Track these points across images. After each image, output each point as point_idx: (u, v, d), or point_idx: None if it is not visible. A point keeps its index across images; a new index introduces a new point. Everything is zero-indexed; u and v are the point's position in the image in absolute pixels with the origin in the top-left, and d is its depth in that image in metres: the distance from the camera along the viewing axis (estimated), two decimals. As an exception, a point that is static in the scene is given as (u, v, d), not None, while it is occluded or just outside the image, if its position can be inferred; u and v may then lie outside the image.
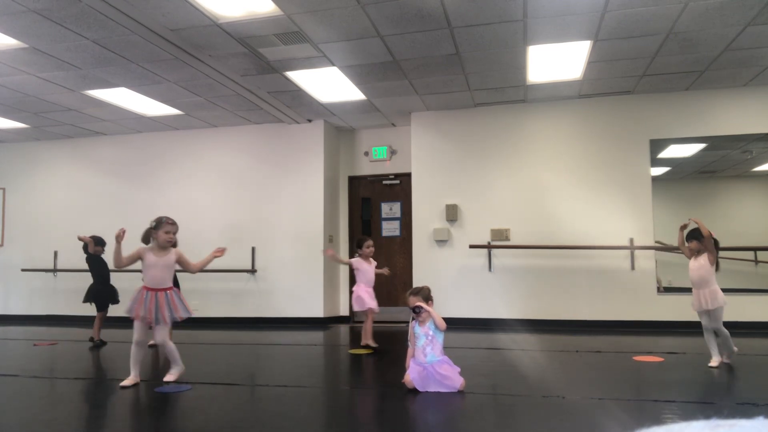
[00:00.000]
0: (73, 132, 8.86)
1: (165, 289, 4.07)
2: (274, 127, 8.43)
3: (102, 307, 6.31)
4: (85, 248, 6.43)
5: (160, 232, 4.08)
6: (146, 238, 4.16)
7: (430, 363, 3.77)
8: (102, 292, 6.35)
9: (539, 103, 7.56)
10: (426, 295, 3.99)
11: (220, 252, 4.22)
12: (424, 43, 5.49)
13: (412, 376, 3.77)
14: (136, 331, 4.06)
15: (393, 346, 6.07)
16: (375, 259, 5.89)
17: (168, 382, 4.03)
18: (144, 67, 6.02)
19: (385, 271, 5.93)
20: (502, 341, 6.14)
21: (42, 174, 9.36)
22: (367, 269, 5.72)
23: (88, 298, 6.36)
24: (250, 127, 8.54)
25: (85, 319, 8.66)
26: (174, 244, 4.18)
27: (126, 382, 3.98)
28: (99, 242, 6.46)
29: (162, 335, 4.05)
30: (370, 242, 5.80)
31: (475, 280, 7.57)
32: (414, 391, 3.70)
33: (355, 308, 5.75)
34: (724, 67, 6.27)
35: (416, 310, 3.89)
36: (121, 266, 4.03)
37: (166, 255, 4.10)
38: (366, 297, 5.62)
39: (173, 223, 4.15)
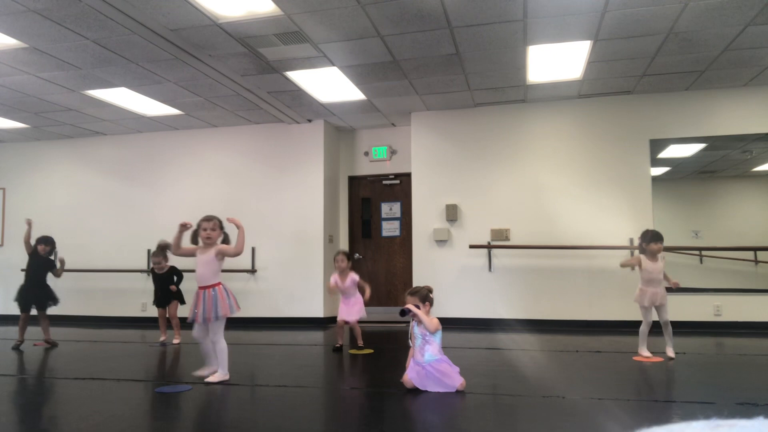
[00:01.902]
0: (73, 132, 8.87)
1: (207, 287, 4.07)
2: (274, 127, 8.43)
3: (26, 309, 6.19)
4: (34, 248, 6.31)
5: (200, 230, 4.11)
6: (194, 238, 4.19)
7: (428, 362, 3.77)
8: (31, 294, 6.24)
9: (539, 103, 7.56)
10: (423, 295, 3.96)
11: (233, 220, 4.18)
12: (424, 43, 5.48)
13: (410, 375, 3.77)
14: (194, 332, 4.17)
15: (393, 346, 6.07)
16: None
17: (209, 383, 4.05)
18: (144, 67, 6.02)
19: (366, 294, 5.73)
20: (502, 341, 6.14)
21: (42, 174, 9.36)
22: (341, 287, 5.73)
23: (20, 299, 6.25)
24: (250, 127, 8.54)
25: (85, 319, 8.67)
26: (224, 240, 4.19)
27: (202, 372, 4.14)
28: (46, 241, 6.34)
29: (213, 332, 4.06)
30: (339, 256, 5.75)
31: (475, 280, 7.57)
32: (414, 391, 3.70)
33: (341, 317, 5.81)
34: (724, 67, 6.27)
35: (403, 313, 3.84)
36: (176, 254, 4.13)
37: (206, 252, 4.11)
38: (342, 311, 5.69)
39: (208, 219, 4.14)
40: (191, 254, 4.17)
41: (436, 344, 3.84)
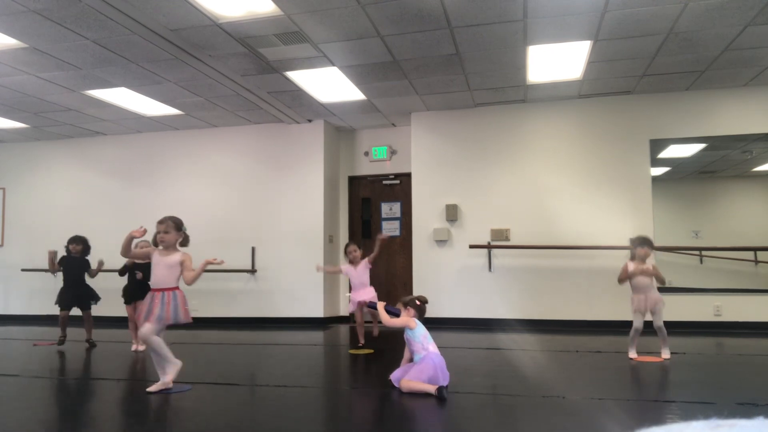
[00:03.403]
0: (73, 132, 8.86)
1: (166, 290, 3.88)
2: (274, 127, 8.43)
3: (66, 307, 6.13)
4: (67, 249, 6.24)
5: (155, 233, 3.98)
6: (154, 241, 4.07)
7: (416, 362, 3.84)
8: (70, 294, 6.19)
9: (539, 103, 7.56)
10: (406, 301, 4.05)
11: (213, 261, 3.92)
12: (424, 43, 5.48)
13: (394, 375, 3.85)
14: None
15: (393, 346, 6.07)
16: (375, 260, 5.90)
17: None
18: (144, 67, 6.02)
19: (381, 238, 5.84)
20: (502, 341, 6.14)
21: (42, 174, 9.36)
22: (354, 274, 5.76)
23: (65, 301, 6.20)
24: (250, 127, 8.55)
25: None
26: (184, 243, 4.03)
27: (156, 387, 3.77)
28: (77, 240, 6.25)
29: (147, 331, 3.75)
30: (352, 247, 5.84)
31: (475, 280, 7.57)
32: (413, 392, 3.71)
33: (349, 310, 5.90)
34: (724, 67, 6.26)
35: (369, 305, 4.30)
36: (127, 255, 3.98)
37: (169, 255, 3.95)
38: (355, 297, 5.71)
39: (161, 222, 3.94)
40: (146, 257, 4.05)
41: (416, 343, 3.88)
